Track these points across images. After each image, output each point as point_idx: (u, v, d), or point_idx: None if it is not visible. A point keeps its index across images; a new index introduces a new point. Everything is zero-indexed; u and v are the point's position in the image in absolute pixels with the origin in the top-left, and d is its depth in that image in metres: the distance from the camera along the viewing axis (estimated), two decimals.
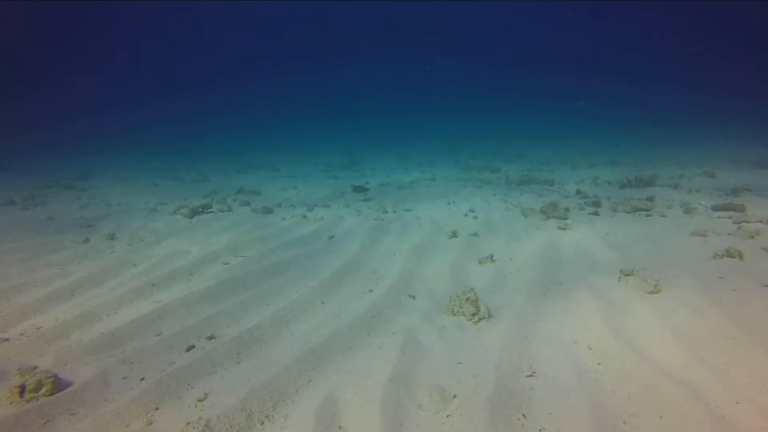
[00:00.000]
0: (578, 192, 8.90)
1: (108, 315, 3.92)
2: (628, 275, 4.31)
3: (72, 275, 4.87)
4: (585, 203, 7.86)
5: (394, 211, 7.88)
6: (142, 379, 2.94)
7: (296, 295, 4.26)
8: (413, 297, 4.19)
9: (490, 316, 3.67)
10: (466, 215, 7.41)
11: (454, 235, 6.20)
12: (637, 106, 36.67)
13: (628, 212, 7.18)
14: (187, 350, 3.34)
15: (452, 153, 20.03)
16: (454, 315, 3.71)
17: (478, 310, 3.67)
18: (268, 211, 8.10)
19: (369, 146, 24.33)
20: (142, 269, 5.11)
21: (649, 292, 3.92)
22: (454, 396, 2.63)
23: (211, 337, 3.49)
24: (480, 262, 5.07)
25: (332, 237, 6.35)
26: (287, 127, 36.59)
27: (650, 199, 7.59)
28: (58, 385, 2.75)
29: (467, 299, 3.76)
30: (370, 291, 4.38)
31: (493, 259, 5.10)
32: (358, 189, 9.78)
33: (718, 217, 6.44)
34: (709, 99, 36.22)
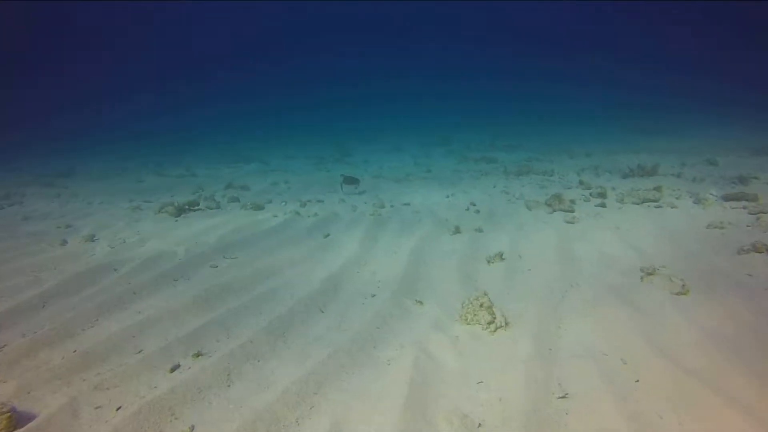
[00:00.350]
0: (581, 182, 8.60)
1: (83, 329, 3.53)
2: (650, 274, 4.00)
3: (45, 282, 4.45)
4: (590, 194, 7.56)
5: (392, 206, 7.51)
6: (119, 409, 2.57)
7: (292, 301, 3.89)
8: (420, 302, 3.84)
9: (507, 324, 3.34)
10: (468, 209, 7.07)
11: (457, 230, 5.86)
12: (622, 89, 36.46)
13: (636, 203, 6.89)
14: (172, 370, 2.96)
15: (446, 143, 19.64)
16: (468, 323, 3.37)
17: (494, 318, 3.34)
18: (258, 207, 7.68)
19: (359, 137, 23.87)
20: (123, 274, 4.70)
21: (677, 294, 3.61)
22: (479, 425, 2.29)
23: (198, 354, 3.12)
24: (488, 261, 4.74)
25: (328, 235, 5.98)
26: (275, 118, 35.81)
27: (657, 188, 7.30)
28: (17, 420, 2.37)
29: (481, 305, 3.43)
30: (372, 296, 4.02)
31: (503, 257, 4.77)
32: (349, 180, 9.22)
33: (732, 208, 6.17)
34: (694, 83, 36.09)
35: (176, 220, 7.09)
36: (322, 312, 3.76)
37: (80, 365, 3.00)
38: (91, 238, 6.02)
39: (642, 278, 3.97)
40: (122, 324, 3.56)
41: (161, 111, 40.70)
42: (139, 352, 3.20)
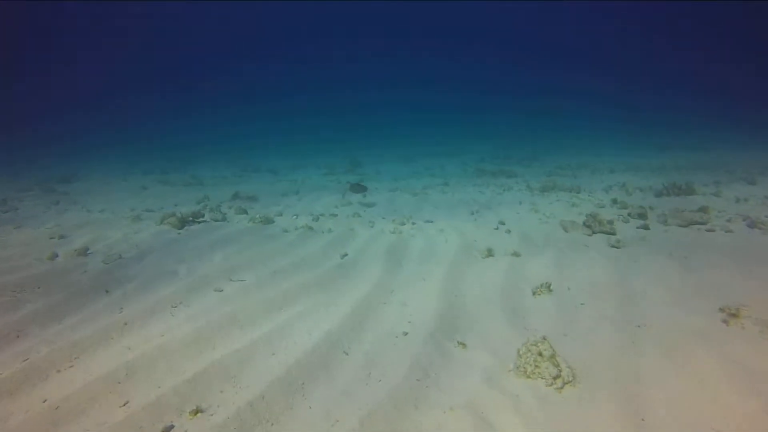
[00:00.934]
0: (614, 201, 7.97)
1: (59, 371, 2.93)
2: (733, 315, 3.36)
3: (24, 307, 3.87)
4: (628, 215, 6.93)
5: (413, 223, 6.90)
6: None
7: (310, 340, 3.28)
8: (463, 345, 3.22)
9: (574, 378, 2.72)
10: (497, 228, 6.46)
11: (490, 254, 5.24)
12: (623, 105, 35.77)
13: (682, 226, 6.25)
14: None
15: (458, 155, 19.14)
16: (528, 377, 2.75)
17: (560, 372, 2.71)
18: (268, 221, 7.11)
19: (369, 146, 23.42)
20: (114, 299, 4.11)
21: None
22: None
23: (196, 412, 2.51)
24: (534, 293, 4.11)
25: (345, 255, 5.38)
26: (284, 123, 35.47)
27: (703, 210, 6.68)
28: None
29: (541, 354, 2.81)
30: (405, 334, 3.40)
31: (550, 288, 4.14)
32: (356, 188, 8.36)
33: None
34: (707, 101, 35.40)
35: (179, 233, 6.53)
36: (347, 354, 3.14)
37: (48, 423, 2.40)
38: (85, 252, 5.45)
39: (726, 322, 3.33)
40: (107, 365, 2.96)
41: (168, 113, 40.46)
42: (125, 404, 2.60)
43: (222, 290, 4.34)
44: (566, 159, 16.27)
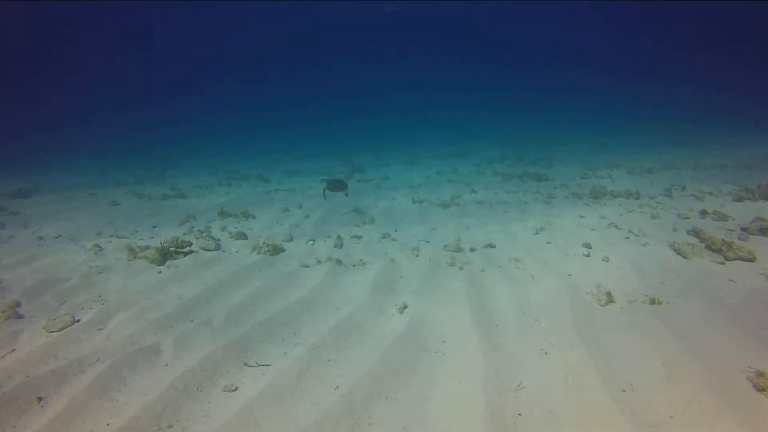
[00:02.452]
0: (705, 213, 6.49)
1: None
2: None
3: None
4: (740, 229, 5.45)
5: (472, 249, 5.29)
6: None
7: None
8: None
9: None
10: (588, 255, 4.89)
11: (610, 299, 3.67)
12: (620, 102, 34.82)
13: None
14: None
15: (464, 156, 17.63)
16: None
17: None
18: (277, 249, 5.42)
19: (365, 150, 21.73)
20: (54, 415, 2.40)
21: None
22: None
23: None
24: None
25: (405, 308, 3.74)
26: (271, 132, 33.37)
27: None
28: None
29: None
30: None
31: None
32: (334, 186, 6.88)
33: None
34: (705, 97, 34.68)
35: (159, 272, 4.80)
36: None
37: None
38: (17, 313, 3.70)
39: None
40: None
41: (142, 125, 38.00)
42: None
43: (235, 388, 2.67)
44: (586, 158, 14.89)
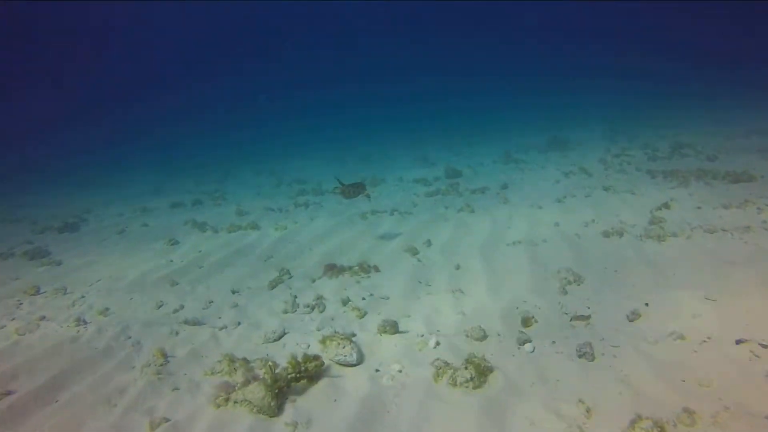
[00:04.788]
0: None
1: None
2: None
3: None
4: None
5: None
6: None
7: None
8: None
9: None
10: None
11: None
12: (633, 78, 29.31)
13: None
14: None
15: (472, 146, 15.33)
16: None
17: None
18: (483, 372, 2.98)
19: (367, 144, 19.10)
20: None
21: None
22: None
23: None
24: None
25: None
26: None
27: None
28: None
29: None
30: None
31: None
32: (351, 191, 5.45)
33: None
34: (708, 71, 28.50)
35: None
36: None
37: None
38: None
39: None
40: None
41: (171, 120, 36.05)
42: None
43: None
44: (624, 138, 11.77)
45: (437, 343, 3.41)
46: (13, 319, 4.84)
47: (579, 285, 4.23)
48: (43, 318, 4.76)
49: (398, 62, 52.91)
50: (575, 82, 28.54)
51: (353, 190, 5.49)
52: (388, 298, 4.42)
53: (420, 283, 4.73)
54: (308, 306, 4.31)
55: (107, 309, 4.89)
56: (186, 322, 4.23)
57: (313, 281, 5.06)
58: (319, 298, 4.48)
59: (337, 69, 53.73)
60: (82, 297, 5.33)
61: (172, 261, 6.43)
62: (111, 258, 6.84)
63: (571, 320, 3.60)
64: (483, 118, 23.72)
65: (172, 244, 7.29)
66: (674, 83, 24.99)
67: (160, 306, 4.86)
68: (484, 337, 3.46)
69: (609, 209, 6.61)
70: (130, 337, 4.12)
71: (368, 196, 5.79)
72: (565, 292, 4.10)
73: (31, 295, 5.57)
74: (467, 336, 3.50)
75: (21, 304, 5.32)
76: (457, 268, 5.00)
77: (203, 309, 4.66)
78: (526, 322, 3.63)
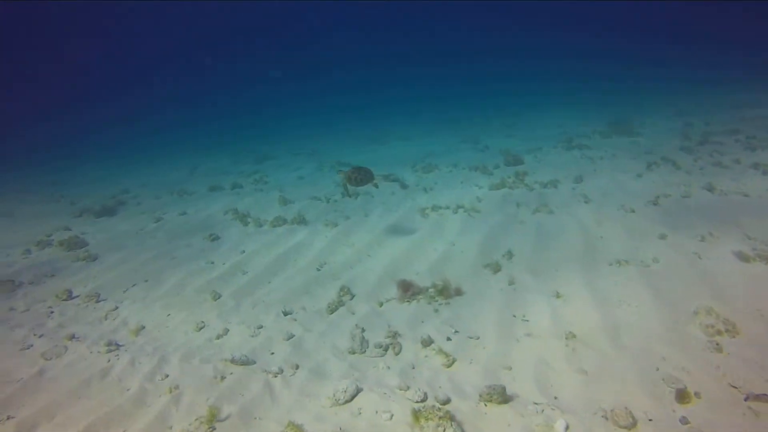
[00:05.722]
0: None
1: None
2: None
3: None
4: None
5: None
6: None
7: None
8: None
9: None
10: None
11: None
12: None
13: None
14: None
15: (522, 129, 13.93)
16: None
17: None
18: None
19: (400, 126, 17.75)
20: None
21: None
22: None
23: None
24: None
25: None
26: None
27: None
28: None
29: None
30: None
31: None
32: (357, 178, 4.96)
33: None
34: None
35: None
36: None
37: None
38: None
39: None
40: None
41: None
42: None
43: None
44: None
45: (567, 428, 2.55)
46: (42, 336, 4.25)
47: (733, 337, 3.25)
48: (72, 337, 4.15)
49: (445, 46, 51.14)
50: (631, 72, 25.85)
51: (360, 177, 4.87)
52: (478, 338, 3.57)
53: (515, 317, 3.83)
54: (380, 346, 3.51)
55: (143, 327, 4.25)
56: (233, 360, 3.49)
57: (381, 305, 4.25)
58: (393, 335, 3.67)
59: (374, 53, 52.29)
60: (116, 308, 4.71)
61: (212, 263, 5.75)
62: (147, 256, 6.22)
63: (746, 400, 2.66)
64: (532, 99, 22.02)
65: (213, 240, 6.62)
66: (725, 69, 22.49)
67: (201, 328, 4.16)
68: (633, 424, 2.56)
69: (725, 218, 5.47)
70: (167, 376, 3.43)
71: (376, 186, 5.21)
72: (719, 348, 3.14)
73: (63, 300, 5.01)
74: (606, 419, 2.61)
75: (52, 312, 4.76)
76: (557, 296, 4.07)
77: (252, 337, 3.94)
78: (683, 397, 2.71)
